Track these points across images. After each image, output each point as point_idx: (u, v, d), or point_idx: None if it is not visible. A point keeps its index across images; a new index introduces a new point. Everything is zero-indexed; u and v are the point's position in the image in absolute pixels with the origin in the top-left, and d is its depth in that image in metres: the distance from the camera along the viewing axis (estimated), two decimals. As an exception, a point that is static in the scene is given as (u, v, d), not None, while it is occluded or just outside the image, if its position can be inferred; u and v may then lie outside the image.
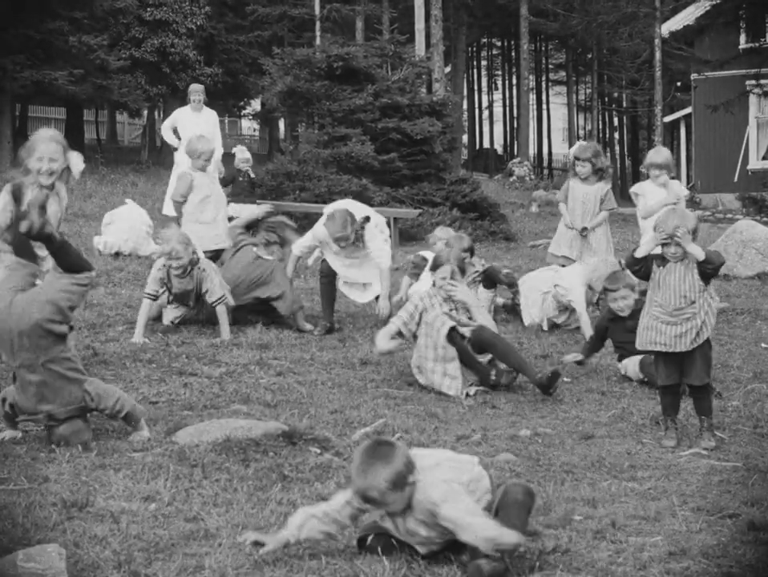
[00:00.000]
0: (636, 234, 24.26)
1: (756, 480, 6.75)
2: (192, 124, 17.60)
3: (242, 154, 18.95)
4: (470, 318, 9.34)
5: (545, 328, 11.65)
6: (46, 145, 8.26)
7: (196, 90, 17.93)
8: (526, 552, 5.29)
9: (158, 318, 10.96)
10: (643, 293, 8.97)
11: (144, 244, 15.44)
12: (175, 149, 17.97)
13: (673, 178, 12.60)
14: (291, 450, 6.90)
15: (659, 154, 12.34)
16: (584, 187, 12.54)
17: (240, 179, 18.63)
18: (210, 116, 17.81)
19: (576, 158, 12.67)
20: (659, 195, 12.01)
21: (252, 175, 18.76)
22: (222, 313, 10.54)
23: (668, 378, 7.66)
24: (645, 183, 12.38)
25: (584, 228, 12.45)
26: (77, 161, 8.49)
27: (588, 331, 10.95)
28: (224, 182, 18.33)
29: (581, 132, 72.37)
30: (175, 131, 18.02)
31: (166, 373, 8.96)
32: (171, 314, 10.97)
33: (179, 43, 35.85)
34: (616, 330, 9.65)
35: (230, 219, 18.57)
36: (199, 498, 5.95)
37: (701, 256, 7.37)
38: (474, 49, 70.75)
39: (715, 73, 35.56)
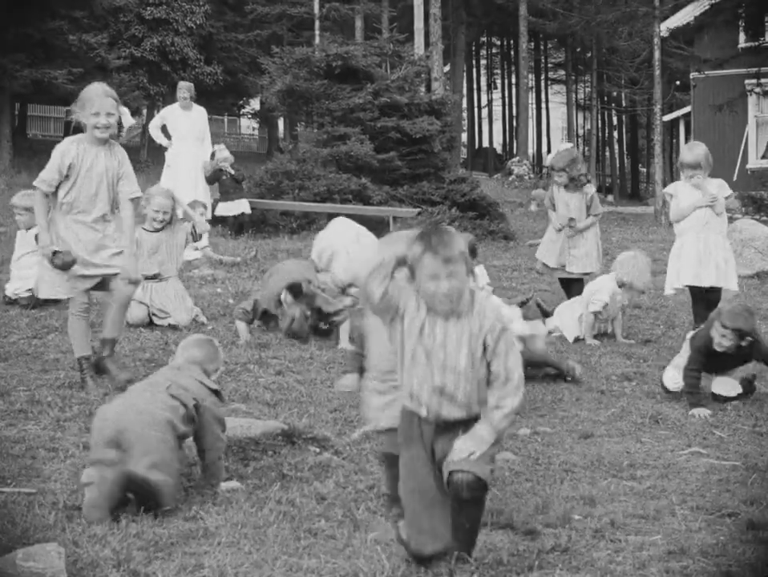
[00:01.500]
0: (635, 233, 24.30)
1: (755, 479, 6.75)
2: (182, 122, 17.57)
3: (221, 153, 18.87)
4: None
5: (589, 341, 11.14)
6: (101, 100, 8.37)
7: (185, 87, 17.88)
8: (525, 551, 5.30)
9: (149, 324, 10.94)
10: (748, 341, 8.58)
11: None
12: (165, 148, 17.96)
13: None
14: (290, 449, 6.90)
15: (690, 151, 10.89)
16: (566, 194, 12.30)
17: (224, 177, 18.57)
18: (200, 113, 17.76)
19: (552, 167, 12.49)
20: (693, 197, 10.78)
21: (232, 172, 18.70)
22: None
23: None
24: (680, 183, 11.17)
25: (572, 219, 12.25)
26: (127, 116, 8.66)
27: (618, 330, 11.31)
28: (208, 181, 18.31)
29: (580, 131, 72.48)
30: (164, 129, 18.00)
31: (165, 372, 8.95)
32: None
33: (178, 42, 35.88)
34: (708, 362, 8.78)
35: (220, 218, 18.65)
36: (198, 497, 5.95)
37: None
38: (474, 48, 70.79)
39: (714, 72, 35.57)
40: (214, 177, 18.42)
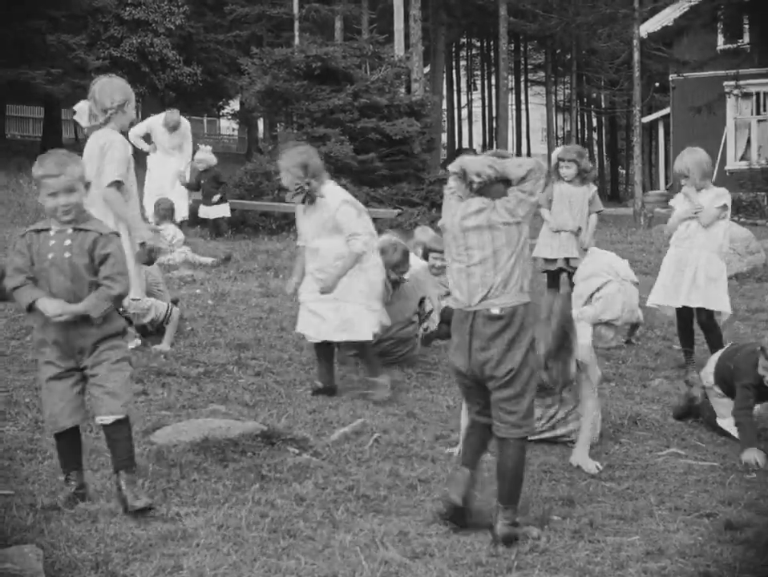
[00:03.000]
0: (614, 234, 24.34)
1: (733, 479, 6.78)
2: (166, 137, 17.70)
3: (201, 154, 18.71)
4: None
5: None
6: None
7: (173, 119, 17.89)
8: (504, 552, 5.31)
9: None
10: None
11: None
12: (146, 153, 17.99)
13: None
14: (269, 450, 6.90)
15: (679, 159, 9.95)
16: (569, 188, 12.08)
17: (203, 181, 18.42)
18: (183, 128, 17.83)
19: (561, 159, 12.21)
20: (683, 208, 9.97)
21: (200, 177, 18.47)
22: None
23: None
24: (679, 194, 10.19)
25: (579, 228, 12.08)
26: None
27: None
28: (191, 187, 18.24)
29: (560, 133, 72.61)
30: (146, 137, 18.02)
31: (144, 372, 8.93)
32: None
33: (158, 43, 35.80)
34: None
35: (202, 220, 18.60)
36: (177, 499, 5.94)
37: None
38: (454, 49, 70.82)
39: (693, 74, 35.69)
40: (197, 182, 18.37)
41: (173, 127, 17.79)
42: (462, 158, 5.84)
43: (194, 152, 18.86)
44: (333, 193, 8.56)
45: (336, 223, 8.41)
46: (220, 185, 18.62)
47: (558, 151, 12.89)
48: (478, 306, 5.61)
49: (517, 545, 5.42)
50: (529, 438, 7.53)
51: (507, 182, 5.67)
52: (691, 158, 9.84)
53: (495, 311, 5.57)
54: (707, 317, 9.85)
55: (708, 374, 8.19)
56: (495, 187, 5.68)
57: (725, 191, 9.92)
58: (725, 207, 9.79)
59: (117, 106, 8.15)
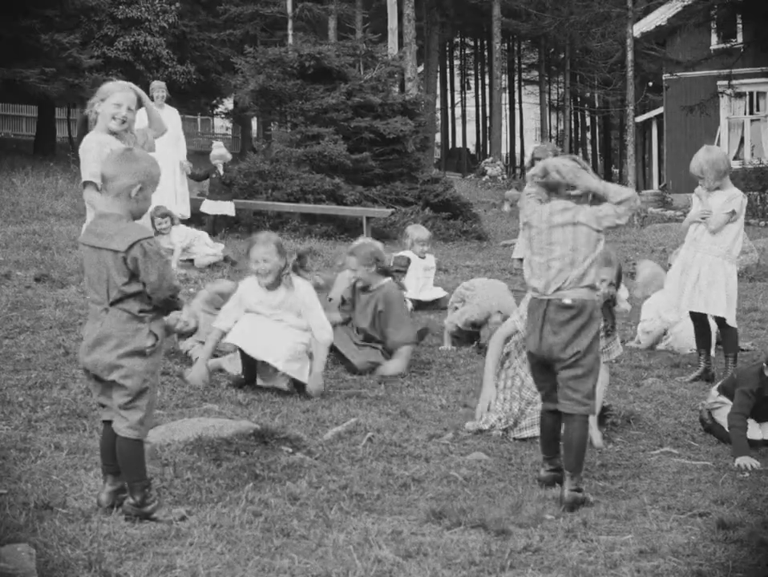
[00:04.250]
0: (606, 233, 24.37)
1: (725, 479, 6.79)
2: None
3: (216, 150, 18.83)
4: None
5: None
6: (125, 94, 8.27)
7: (160, 87, 17.85)
8: (497, 551, 5.31)
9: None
10: None
11: None
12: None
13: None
14: (263, 449, 6.89)
15: (695, 159, 9.56)
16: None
17: (213, 176, 18.52)
18: (172, 115, 17.73)
19: (536, 158, 12.35)
20: (696, 209, 9.72)
21: (221, 172, 18.60)
22: None
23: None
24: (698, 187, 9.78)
25: None
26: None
27: None
28: (198, 177, 18.25)
29: (554, 132, 72.70)
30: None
31: (137, 372, 8.91)
32: None
33: (151, 41, 35.72)
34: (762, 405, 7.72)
35: (203, 215, 18.58)
36: (170, 498, 5.94)
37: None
38: (447, 48, 70.89)
39: (687, 73, 35.74)
40: (206, 174, 18.42)
41: (161, 105, 17.62)
42: (546, 160, 6.61)
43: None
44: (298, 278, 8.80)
45: (302, 307, 8.62)
46: (227, 185, 18.65)
47: (534, 150, 13.05)
48: (552, 295, 6.22)
49: (514, 542, 5.43)
50: (514, 437, 7.58)
51: (595, 197, 6.38)
52: (706, 158, 9.49)
53: (567, 301, 6.19)
54: (721, 319, 9.73)
55: (714, 390, 8.12)
56: (582, 197, 6.38)
57: (736, 195, 9.52)
58: (733, 213, 9.46)
59: (94, 107, 8.28)
